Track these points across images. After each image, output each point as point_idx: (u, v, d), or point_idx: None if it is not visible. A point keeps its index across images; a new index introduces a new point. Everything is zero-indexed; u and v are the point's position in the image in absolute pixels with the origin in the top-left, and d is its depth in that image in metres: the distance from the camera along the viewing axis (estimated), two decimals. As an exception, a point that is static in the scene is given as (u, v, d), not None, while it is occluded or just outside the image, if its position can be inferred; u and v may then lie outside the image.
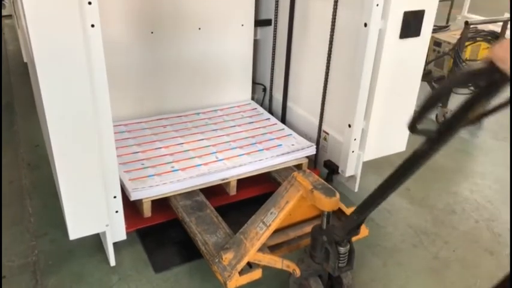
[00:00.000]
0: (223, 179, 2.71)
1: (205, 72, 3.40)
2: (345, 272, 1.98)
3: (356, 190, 2.99)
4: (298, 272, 2.01)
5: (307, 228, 2.06)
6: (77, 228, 2.11)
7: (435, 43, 4.11)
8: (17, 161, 3.33)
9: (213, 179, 2.67)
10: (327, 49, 2.84)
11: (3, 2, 6.41)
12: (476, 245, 2.68)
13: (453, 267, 2.50)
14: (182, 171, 2.65)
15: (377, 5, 2.41)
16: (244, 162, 2.79)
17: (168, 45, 3.18)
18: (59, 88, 1.79)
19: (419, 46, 2.68)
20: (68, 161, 1.94)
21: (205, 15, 3.23)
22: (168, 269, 2.38)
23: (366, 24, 2.47)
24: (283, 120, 3.50)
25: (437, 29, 4.36)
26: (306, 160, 3.00)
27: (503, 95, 1.17)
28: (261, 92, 3.77)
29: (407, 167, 1.51)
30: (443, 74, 4.06)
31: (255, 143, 3.03)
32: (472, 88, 4.15)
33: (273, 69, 3.51)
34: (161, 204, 2.56)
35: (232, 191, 2.77)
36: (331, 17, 2.76)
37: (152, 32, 3.09)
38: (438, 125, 1.24)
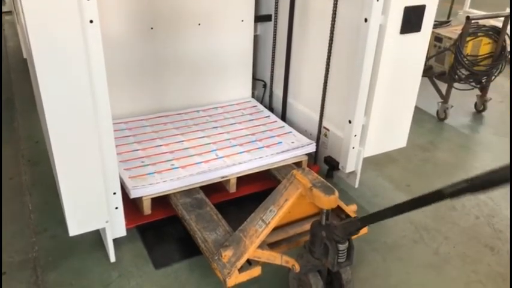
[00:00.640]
0: (223, 177, 2.71)
1: (205, 68, 3.39)
2: (344, 267, 1.98)
3: (356, 186, 2.99)
4: (297, 268, 2.01)
5: (307, 226, 2.06)
6: (76, 225, 2.11)
7: (436, 38, 4.09)
8: (17, 157, 3.33)
9: (213, 176, 2.67)
10: (327, 45, 2.83)
11: (3, -2, 6.41)
12: (476, 241, 2.68)
13: (453, 262, 2.50)
14: (182, 169, 2.65)
15: (377, 0, 2.40)
16: (244, 159, 2.79)
17: (168, 41, 3.17)
18: (57, 84, 1.78)
19: (420, 41, 2.67)
20: (68, 157, 1.94)
21: (205, 10, 3.22)
22: (168, 265, 2.38)
23: (366, 20, 2.46)
24: (283, 116, 3.50)
25: (438, 24, 4.34)
26: (306, 158, 2.99)
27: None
28: (261, 88, 3.76)
29: (428, 201, 1.53)
30: (444, 69, 4.05)
31: (255, 141, 3.02)
32: (473, 84, 4.16)
33: (273, 65, 3.50)
34: (161, 200, 2.56)
35: (232, 188, 2.77)
36: (331, 12, 2.74)
37: (152, 28, 3.08)
38: (471, 184, 1.25)
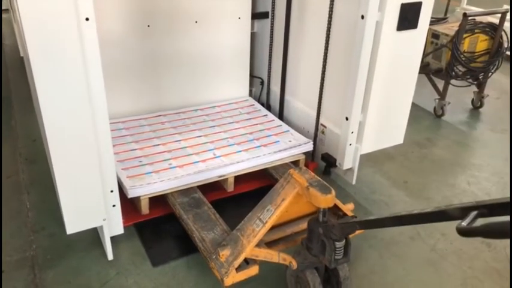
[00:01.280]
0: (221, 176, 2.71)
1: (202, 65, 3.38)
2: (341, 264, 1.99)
3: (354, 183, 3.00)
4: (294, 264, 2.02)
5: (304, 225, 2.06)
6: (74, 223, 2.11)
7: (433, 35, 4.10)
8: (15, 155, 3.32)
9: (210, 175, 2.67)
10: (324, 42, 2.83)
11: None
12: (473, 238, 2.68)
13: (450, 259, 2.51)
14: (180, 169, 2.65)
15: (374, -3, 2.40)
16: (242, 158, 2.79)
17: (165, 39, 3.17)
18: (54, 82, 1.78)
19: (416, 38, 2.67)
20: (65, 155, 1.94)
21: (201, 8, 3.21)
22: (166, 262, 2.38)
23: (362, 17, 2.46)
24: (280, 113, 3.50)
25: (435, 21, 4.34)
26: (303, 156, 3.00)
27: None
28: (258, 85, 3.76)
29: (429, 219, 1.52)
30: (441, 66, 4.05)
31: (253, 140, 3.03)
32: (470, 80, 4.17)
33: (271, 62, 3.49)
34: (159, 198, 2.56)
35: (230, 187, 2.77)
36: (328, 9, 2.74)
37: (149, 26, 3.07)
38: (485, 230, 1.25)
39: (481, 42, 4.03)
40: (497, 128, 4.07)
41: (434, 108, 4.20)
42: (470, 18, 3.87)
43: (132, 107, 3.24)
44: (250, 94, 3.76)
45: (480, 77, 4.22)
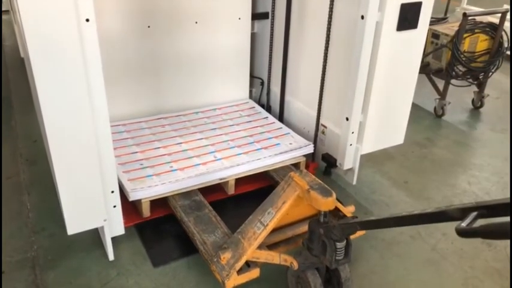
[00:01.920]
0: (222, 179, 2.71)
1: (202, 66, 3.38)
2: (342, 265, 1.99)
3: (354, 183, 3.00)
4: (295, 265, 2.02)
5: (305, 228, 2.07)
6: (75, 223, 2.11)
7: (433, 35, 4.10)
8: (15, 156, 3.32)
9: (211, 178, 2.68)
10: (324, 42, 2.83)
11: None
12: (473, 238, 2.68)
13: (451, 259, 2.51)
14: (181, 171, 2.66)
15: (374, -3, 2.40)
16: (243, 161, 2.80)
17: (165, 40, 3.17)
18: (54, 84, 1.78)
19: (416, 38, 2.67)
20: (65, 156, 1.94)
21: (202, 8, 3.21)
22: (167, 263, 2.38)
23: (362, 17, 2.46)
24: (281, 114, 3.50)
25: (435, 21, 4.34)
26: (304, 159, 3.00)
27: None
28: (258, 86, 3.76)
29: (431, 220, 1.51)
30: (441, 66, 4.05)
31: (253, 142, 3.03)
32: (470, 80, 4.17)
33: (271, 62, 3.50)
34: (160, 199, 2.56)
35: (231, 190, 2.77)
36: (328, 9, 2.74)
37: (149, 26, 3.07)
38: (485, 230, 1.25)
39: (481, 42, 4.03)
40: (498, 127, 4.07)
41: (435, 108, 4.20)
42: (470, 18, 3.87)
43: (133, 109, 3.24)
44: (251, 95, 3.76)
45: (480, 77, 4.22)
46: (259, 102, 3.73)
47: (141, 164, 2.72)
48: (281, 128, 3.25)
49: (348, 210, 2.24)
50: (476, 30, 3.97)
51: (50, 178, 2.67)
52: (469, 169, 3.42)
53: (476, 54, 4.03)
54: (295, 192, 1.98)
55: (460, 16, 3.88)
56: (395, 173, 3.29)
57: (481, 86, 4.31)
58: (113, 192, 2.17)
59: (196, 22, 3.22)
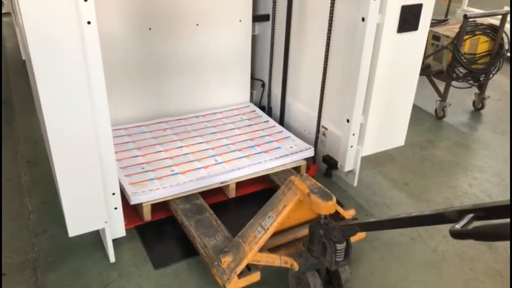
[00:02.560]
0: (223, 182, 2.72)
1: (203, 69, 3.39)
2: (342, 266, 1.99)
3: (355, 185, 3.00)
4: (296, 266, 2.02)
5: (305, 231, 2.07)
6: (76, 225, 2.12)
7: (434, 37, 4.10)
8: (17, 158, 3.33)
9: (212, 182, 2.68)
10: (325, 44, 2.83)
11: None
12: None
13: (451, 260, 2.51)
14: (182, 175, 2.66)
15: (374, -1, 2.41)
16: (243, 165, 2.80)
17: (166, 42, 3.17)
18: (55, 86, 1.79)
19: (417, 40, 2.68)
20: (67, 158, 1.94)
21: (203, 11, 3.22)
22: (168, 265, 2.38)
23: (363, 19, 2.47)
24: (281, 115, 3.50)
25: (436, 22, 4.35)
26: (304, 162, 3.00)
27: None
28: (259, 88, 3.77)
29: (427, 221, 1.52)
30: (442, 68, 4.05)
31: (254, 146, 3.03)
32: (471, 82, 4.17)
33: (272, 64, 3.50)
34: (161, 202, 2.56)
35: (232, 193, 2.78)
36: (328, 11, 2.75)
37: (150, 29, 3.08)
38: (480, 231, 1.25)
39: (482, 44, 4.04)
40: (498, 129, 4.07)
41: (435, 109, 4.20)
42: (470, 20, 3.88)
43: (134, 113, 3.24)
44: (251, 96, 3.76)
45: (481, 79, 4.22)
46: (260, 104, 3.73)
47: (143, 168, 2.72)
48: (282, 131, 3.26)
49: (349, 214, 2.25)
50: (476, 32, 3.97)
51: (51, 180, 2.68)
52: (470, 171, 3.42)
53: (477, 56, 4.03)
54: (295, 196, 1.99)
55: (461, 18, 3.88)
56: (396, 175, 3.29)
57: (481, 87, 4.31)
58: (114, 194, 2.18)
59: (197, 24, 3.23)
